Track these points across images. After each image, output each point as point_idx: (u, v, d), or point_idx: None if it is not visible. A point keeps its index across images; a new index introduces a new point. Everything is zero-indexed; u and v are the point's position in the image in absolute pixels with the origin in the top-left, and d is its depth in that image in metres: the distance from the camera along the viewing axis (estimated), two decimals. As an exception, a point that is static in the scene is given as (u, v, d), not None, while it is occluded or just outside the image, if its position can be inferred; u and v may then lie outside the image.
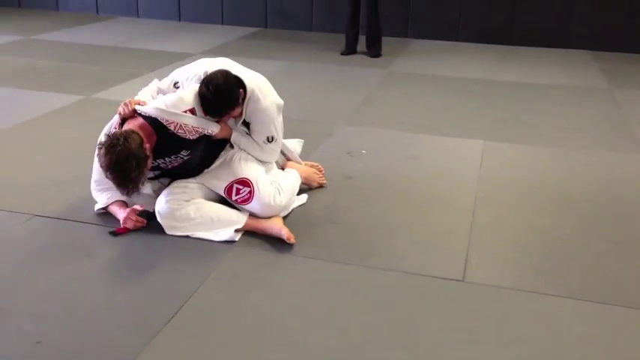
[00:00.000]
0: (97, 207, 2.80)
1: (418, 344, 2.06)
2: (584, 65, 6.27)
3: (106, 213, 2.80)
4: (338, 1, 7.13)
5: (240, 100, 2.73)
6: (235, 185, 2.75)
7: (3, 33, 6.98)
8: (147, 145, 2.47)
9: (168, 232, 2.66)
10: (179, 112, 2.61)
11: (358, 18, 6.38)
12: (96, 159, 2.69)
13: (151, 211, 2.73)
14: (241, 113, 2.79)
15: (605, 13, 6.80)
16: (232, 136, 2.82)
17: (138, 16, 8.23)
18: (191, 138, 2.63)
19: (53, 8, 8.53)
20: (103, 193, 2.78)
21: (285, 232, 2.64)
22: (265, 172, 2.87)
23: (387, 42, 6.56)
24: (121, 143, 2.36)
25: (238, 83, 2.72)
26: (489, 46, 7.02)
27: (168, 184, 2.77)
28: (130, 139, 2.40)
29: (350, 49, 6.47)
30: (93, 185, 2.82)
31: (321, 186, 3.18)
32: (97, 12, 8.37)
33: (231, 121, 2.83)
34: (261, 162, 2.89)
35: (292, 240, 2.62)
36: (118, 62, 5.85)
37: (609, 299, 2.32)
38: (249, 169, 2.78)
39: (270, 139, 2.86)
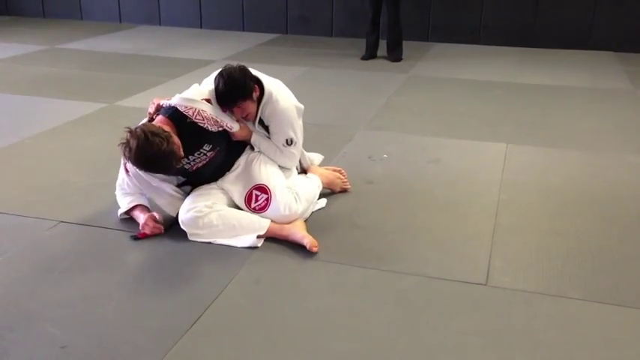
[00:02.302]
0: (120, 212, 2.84)
1: (441, 349, 2.04)
2: (608, 67, 6.20)
3: (129, 219, 2.83)
4: (358, 7, 7.15)
5: (254, 96, 2.74)
6: (254, 192, 2.76)
7: (29, 42, 7.11)
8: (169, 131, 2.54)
9: (191, 238, 2.68)
10: (198, 99, 2.67)
11: (379, 22, 6.38)
12: (122, 167, 2.74)
13: (173, 215, 2.75)
14: (256, 113, 2.80)
15: (629, 13, 6.71)
16: (252, 137, 2.83)
17: (160, 25, 8.33)
18: (210, 129, 2.66)
19: (77, 18, 8.67)
20: (125, 198, 2.82)
21: (307, 241, 2.61)
22: (285, 178, 2.88)
23: (407, 46, 6.55)
24: (136, 130, 2.45)
25: (254, 78, 2.75)
26: (511, 49, 6.97)
27: (190, 190, 2.79)
28: (146, 126, 2.48)
29: (370, 54, 6.47)
30: (117, 189, 2.86)
31: (344, 190, 3.18)
32: (120, 21, 8.48)
33: (249, 123, 2.84)
34: (281, 167, 2.90)
35: (315, 249, 2.59)
36: (141, 70, 5.92)
37: (636, 303, 2.29)
38: (268, 175, 2.79)
39: (289, 142, 2.86)
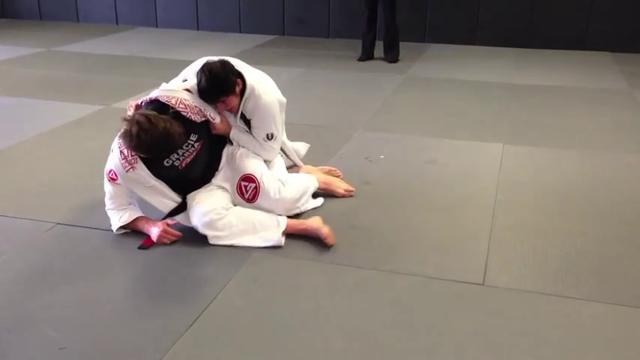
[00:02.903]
0: (117, 226, 2.71)
1: (439, 348, 2.05)
2: (604, 67, 6.21)
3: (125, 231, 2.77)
4: (355, 8, 7.15)
5: (237, 90, 2.74)
6: (242, 183, 2.76)
7: (25, 45, 7.10)
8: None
9: (212, 242, 2.64)
10: (178, 89, 2.67)
11: (375, 23, 6.39)
12: (106, 179, 2.69)
13: (165, 212, 2.73)
14: (238, 106, 2.80)
15: (625, 14, 6.74)
16: (232, 132, 2.83)
17: (157, 27, 8.33)
18: (194, 118, 2.64)
19: (74, 20, 8.66)
20: (119, 213, 2.72)
21: (325, 232, 2.64)
22: (268, 169, 2.88)
23: (404, 47, 6.56)
24: (135, 116, 2.42)
25: (236, 73, 2.75)
26: (508, 50, 6.99)
27: (183, 198, 2.75)
28: (143, 112, 2.46)
29: (367, 55, 6.48)
30: (108, 205, 2.75)
31: (349, 196, 3.14)
32: (117, 23, 8.48)
33: (230, 117, 2.84)
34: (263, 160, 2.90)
35: (330, 240, 2.63)
36: (137, 72, 5.92)
37: (633, 302, 2.29)
38: (252, 164, 2.79)
39: (270, 137, 2.87)
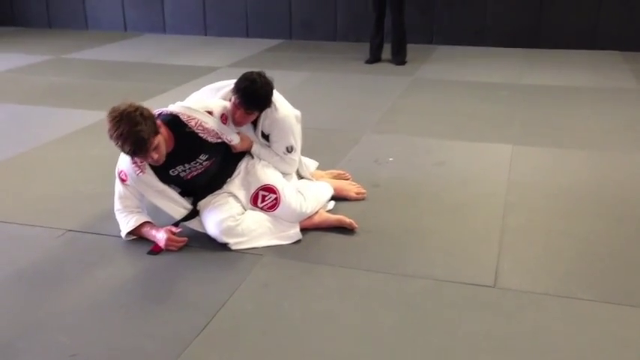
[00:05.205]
0: (124, 232, 2.71)
1: (451, 352, 2.04)
2: (614, 66, 6.18)
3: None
4: (361, 11, 7.16)
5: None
6: (260, 192, 2.77)
7: (35, 53, 7.15)
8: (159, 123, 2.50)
9: (234, 248, 2.65)
10: (201, 111, 2.66)
11: (383, 25, 6.39)
12: (117, 178, 2.70)
13: (178, 218, 2.73)
14: (256, 122, 2.84)
15: (634, 13, 6.69)
16: (253, 147, 2.85)
17: (165, 33, 8.36)
18: (210, 140, 2.65)
19: (83, 27, 8.72)
20: (127, 217, 2.72)
21: (348, 221, 2.80)
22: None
23: (411, 49, 6.55)
24: (124, 107, 2.40)
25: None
26: (516, 50, 6.96)
27: (193, 202, 2.77)
28: (138, 106, 2.43)
29: (375, 58, 6.48)
30: (117, 206, 2.75)
31: (361, 198, 3.15)
32: (125, 29, 8.53)
33: (251, 132, 2.87)
34: (282, 173, 2.92)
35: (355, 225, 2.79)
36: (146, 78, 5.94)
37: (646, 303, 2.28)
38: (273, 176, 2.82)
39: (289, 149, 2.90)
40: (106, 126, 2.40)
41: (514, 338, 2.10)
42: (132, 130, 2.35)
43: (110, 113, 2.39)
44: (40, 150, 4.00)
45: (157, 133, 2.46)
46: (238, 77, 2.75)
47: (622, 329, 2.14)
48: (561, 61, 6.45)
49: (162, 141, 2.50)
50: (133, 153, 2.45)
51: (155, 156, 2.49)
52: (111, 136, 2.40)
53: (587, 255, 2.62)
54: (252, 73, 2.74)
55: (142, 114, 2.40)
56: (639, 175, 3.46)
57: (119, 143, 2.40)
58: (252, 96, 2.69)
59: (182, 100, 2.84)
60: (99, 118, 4.57)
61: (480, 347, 2.05)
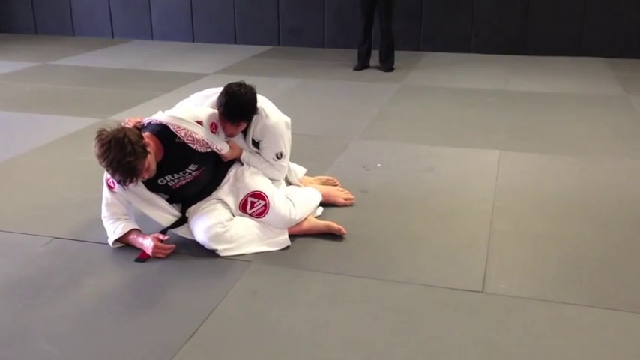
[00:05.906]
0: (112, 239, 2.70)
1: (440, 357, 2.04)
2: (599, 73, 6.24)
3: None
4: (349, 18, 7.19)
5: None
6: (250, 199, 2.76)
7: (20, 59, 7.11)
8: (146, 142, 2.46)
9: (222, 254, 2.65)
10: (191, 121, 2.65)
11: (371, 32, 6.41)
12: (105, 185, 2.69)
13: (165, 226, 2.72)
14: (246, 129, 2.84)
15: (618, 20, 6.77)
16: (242, 155, 2.85)
17: (152, 39, 8.35)
18: (200, 150, 2.65)
19: (69, 34, 8.68)
20: (115, 224, 2.70)
21: (336, 226, 2.80)
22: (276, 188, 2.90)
23: (399, 56, 6.58)
24: (112, 133, 2.37)
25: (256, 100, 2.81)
26: (503, 57, 7.01)
27: (182, 209, 2.76)
28: (125, 130, 2.41)
29: (363, 64, 6.50)
30: (104, 212, 2.73)
31: (350, 204, 3.15)
32: (113, 36, 8.50)
33: (241, 141, 2.87)
34: (271, 179, 2.92)
35: (344, 230, 2.80)
36: (134, 85, 5.92)
37: (633, 307, 2.29)
38: (261, 183, 2.82)
39: (279, 156, 2.90)
40: (93, 149, 2.38)
41: (502, 343, 2.10)
42: (122, 161, 2.34)
43: (98, 138, 2.37)
44: (26, 157, 3.97)
45: (146, 155, 2.43)
46: (220, 91, 2.75)
47: (609, 333, 2.16)
48: (547, 67, 6.50)
49: (152, 159, 2.49)
50: (124, 182, 2.46)
51: (146, 176, 2.51)
52: (100, 163, 2.39)
53: (574, 260, 2.63)
54: (230, 85, 2.74)
55: (129, 140, 2.36)
56: (625, 180, 3.49)
57: (109, 172, 2.42)
58: (236, 108, 2.70)
59: (170, 107, 2.84)
60: (85, 124, 4.57)
61: (469, 352, 2.06)
